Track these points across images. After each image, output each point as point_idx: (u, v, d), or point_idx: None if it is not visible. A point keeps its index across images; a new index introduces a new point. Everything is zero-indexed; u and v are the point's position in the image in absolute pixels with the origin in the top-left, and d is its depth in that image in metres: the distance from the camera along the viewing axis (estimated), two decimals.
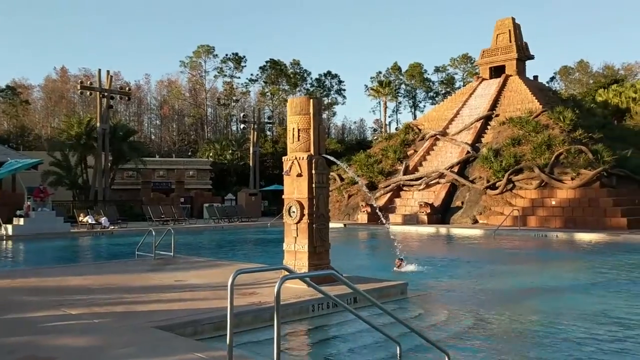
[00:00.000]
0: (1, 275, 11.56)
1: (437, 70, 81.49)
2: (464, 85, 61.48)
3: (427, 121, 39.51)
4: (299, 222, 9.27)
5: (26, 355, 5.31)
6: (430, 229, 26.61)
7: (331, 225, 10.34)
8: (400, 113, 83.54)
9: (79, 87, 35.82)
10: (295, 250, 9.34)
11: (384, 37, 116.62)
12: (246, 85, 76.42)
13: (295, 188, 9.42)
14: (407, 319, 7.03)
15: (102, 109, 35.05)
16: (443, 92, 78.87)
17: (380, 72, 78.67)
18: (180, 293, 8.81)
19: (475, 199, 29.64)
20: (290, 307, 7.54)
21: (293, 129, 9.48)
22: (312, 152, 9.35)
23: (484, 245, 20.91)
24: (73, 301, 8.10)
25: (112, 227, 27.07)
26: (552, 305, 9.39)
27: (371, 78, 78.68)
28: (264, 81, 75.78)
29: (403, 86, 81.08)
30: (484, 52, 41.35)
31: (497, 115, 35.24)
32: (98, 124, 35.08)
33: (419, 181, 32.69)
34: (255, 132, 45.28)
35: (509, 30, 39.92)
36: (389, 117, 79.51)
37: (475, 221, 28.61)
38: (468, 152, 32.57)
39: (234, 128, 74.28)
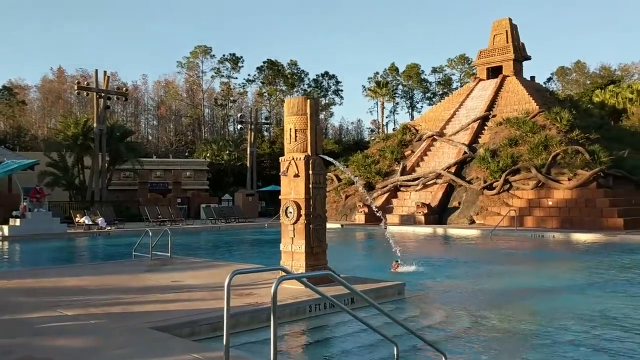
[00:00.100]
0: None
1: (434, 70, 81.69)
2: (461, 86, 61.59)
3: (425, 122, 39.54)
4: (296, 222, 9.27)
5: (22, 356, 5.29)
6: (427, 230, 26.63)
7: (328, 225, 10.34)
8: (397, 114, 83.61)
9: (76, 87, 35.77)
10: (292, 250, 9.34)
11: (382, 38, 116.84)
12: (243, 86, 76.54)
13: (292, 188, 9.42)
14: (405, 320, 7.02)
15: (99, 110, 35.04)
16: (440, 92, 79.03)
17: (377, 73, 78.96)
18: (177, 294, 8.80)
19: (472, 200, 29.69)
20: (287, 307, 7.54)
21: (290, 129, 9.48)
22: (309, 152, 9.36)
23: (481, 245, 20.92)
24: (69, 302, 8.08)
25: (109, 228, 27.03)
26: (548, 305, 9.40)
27: (368, 79, 78.95)
28: (261, 82, 75.80)
29: (400, 87, 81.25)
30: (481, 52, 41.40)
31: (494, 116, 35.28)
32: (95, 125, 35.06)
33: (416, 182, 32.71)
34: (253, 133, 45.24)
35: (506, 31, 39.98)
36: (387, 117, 79.78)
37: (472, 221, 28.64)
38: (465, 152, 32.61)
39: (231, 129, 74.30)
